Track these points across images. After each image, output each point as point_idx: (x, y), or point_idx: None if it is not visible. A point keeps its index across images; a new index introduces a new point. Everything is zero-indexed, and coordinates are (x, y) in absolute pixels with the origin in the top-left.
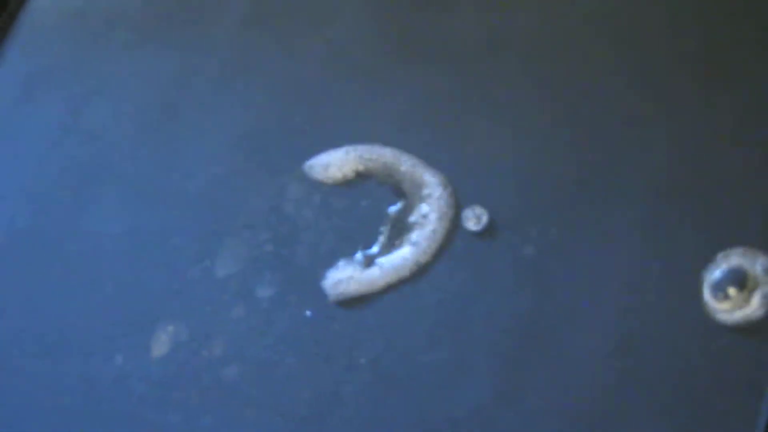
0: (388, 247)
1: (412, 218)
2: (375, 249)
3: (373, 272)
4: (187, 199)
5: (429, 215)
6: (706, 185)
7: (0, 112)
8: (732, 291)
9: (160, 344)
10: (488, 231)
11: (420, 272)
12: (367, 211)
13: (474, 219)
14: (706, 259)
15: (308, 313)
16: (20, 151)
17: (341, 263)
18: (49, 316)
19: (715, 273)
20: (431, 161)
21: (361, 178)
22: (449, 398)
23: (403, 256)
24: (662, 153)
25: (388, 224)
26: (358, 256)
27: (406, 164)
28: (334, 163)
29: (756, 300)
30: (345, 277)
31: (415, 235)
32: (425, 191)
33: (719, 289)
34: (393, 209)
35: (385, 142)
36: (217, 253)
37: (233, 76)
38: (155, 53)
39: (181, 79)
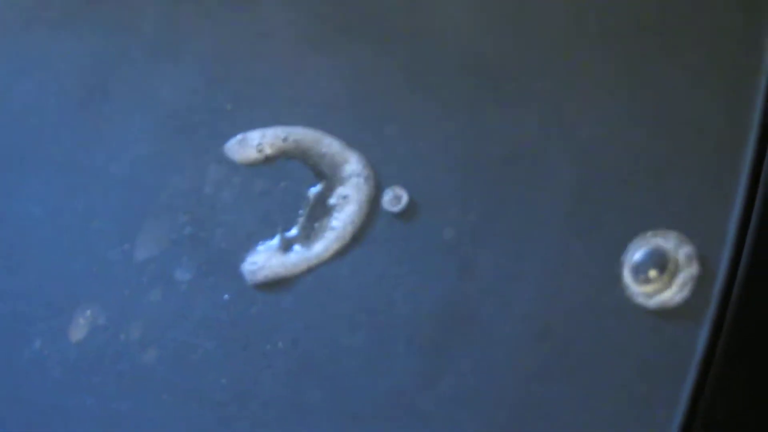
0: (308, 230)
1: (332, 200)
2: (294, 232)
3: (293, 256)
4: (109, 181)
5: (349, 196)
6: (630, 167)
7: None
8: (653, 273)
9: (79, 328)
10: (409, 213)
11: (340, 255)
12: (287, 193)
13: (394, 200)
14: (628, 242)
15: (226, 296)
16: None
17: (260, 246)
18: None
19: (636, 255)
20: (351, 142)
21: (282, 159)
22: (370, 382)
23: (322, 239)
24: (586, 134)
25: (308, 206)
26: (278, 239)
27: (326, 145)
28: (255, 144)
29: (677, 284)
30: (264, 260)
31: (334, 218)
32: (345, 172)
33: (640, 271)
34: (312, 191)
35: (307, 124)
36: (137, 236)
37: (160, 56)
38: (82, 33)
39: (108, 60)
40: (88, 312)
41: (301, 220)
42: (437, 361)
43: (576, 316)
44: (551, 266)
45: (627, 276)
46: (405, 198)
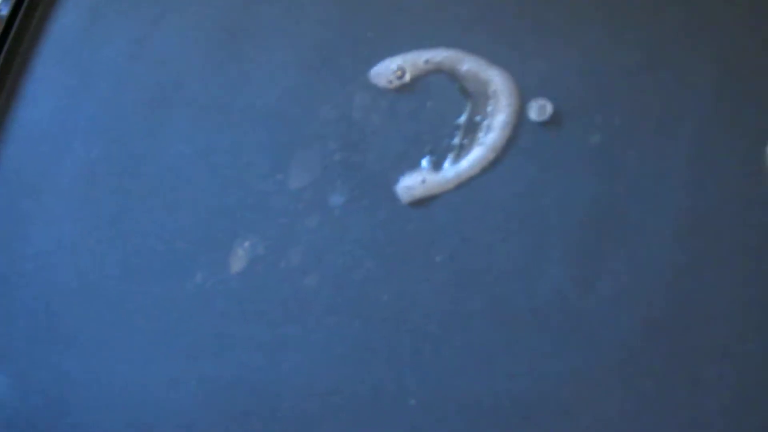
0: (457, 147)
1: (479, 116)
2: (444, 149)
3: (444, 172)
4: (256, 116)
5: (495, 111)
6: None
7: (67, 44)
8: None
9: (238, 259)
10: (554, 122)
11: (490, 168)
12: (433, 113)
13: (539, 110)
14: None
15: (382, 216)
16: (89, 81)
17: (412, 167)
18: (129, 240)
19: None
20: (494, 59)
21: (426, 81)
22: (527, 288)
23: (472, 154)
24: (727, 32)
25: (455, 124)
26: (428, 157)
27: (469, 64)
28: (399, 69)
29: None
30: (416, 179)
31: (482, 133)
32: (490, 88)
33: None
34: (459, 109)
35: (448, 44)
36: (289, 166)
37: None
38: None
39: (246, 0)
40: (247, 243)
41: (449, 137)
42: (592, 263)
43: (723, 207)
44: (697, 161)
45: None
46: (549, 108)
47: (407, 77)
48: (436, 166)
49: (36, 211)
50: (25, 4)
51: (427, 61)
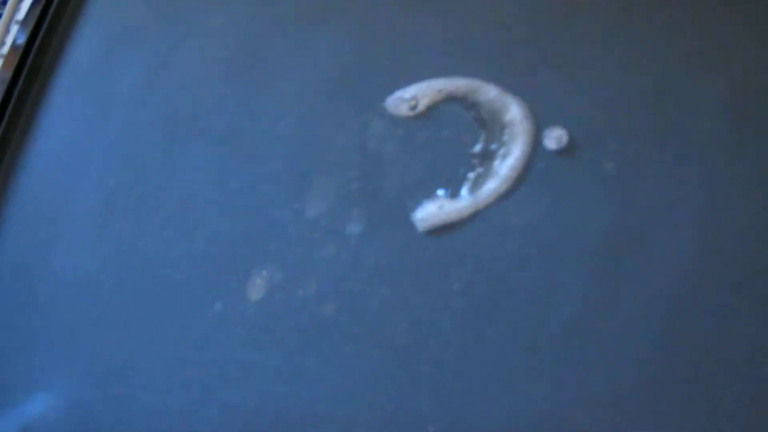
0: (473, 176)
1: (494, 145)
2: (460, 178)
3: (460, 201)
4: (274, 144)
5: (510, 140)
6: None
7: (85, 73)
8: None
9: (257, 288)
10: (569, 150)
11: (506, 196)
12: (449, 141)
13: (555, 139)
14: None
15: (399, 245)
16: (107, 110)
17: (428, 195)
18: (147, 269)
19: None
20: (509, 88)
21: (442, 110)
22: (544, 314)
23: (488, 183)
24: (738, 56)
25: (471, 153)
26: (445, 186)
27: (484, 93)
28: (415, 97)
29: None
30: (433, 208)
31: (498, 161)
32: (505, 117)
33: None
34: (475, 138)
35: (463, 73)
36: (306, 194)
37: (313, 20)
38: (234, 7)
39: (262, 28)
40: (264, 272)
41: (465, 166)
42: (608, 288)
43: (738, 232)
44: (711, 187)
45: None
46: (565, 137)
47: (422, 106)
48: (453, 194)
49: (54, 239)
50: (41, 33)
51: (441, 90)
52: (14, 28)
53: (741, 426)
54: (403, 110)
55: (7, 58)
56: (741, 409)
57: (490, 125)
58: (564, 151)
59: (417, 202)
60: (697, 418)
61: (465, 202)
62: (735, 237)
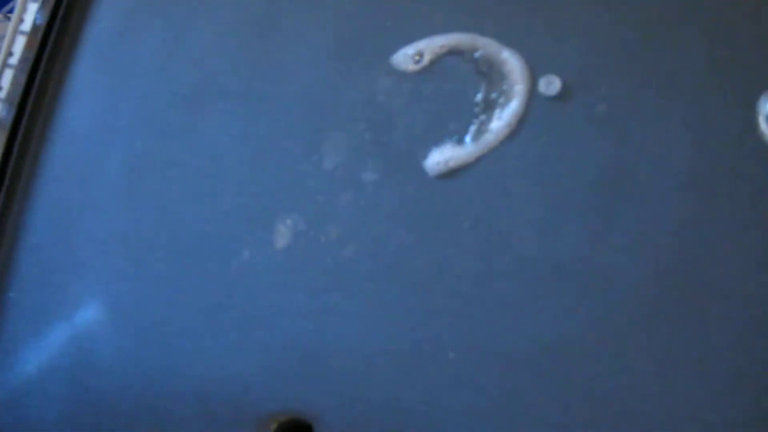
0: (477, 123)
1: (494, 94)
2: (464, 126)
3: (466, 147)
4: (289, 103)
5: (509, 88)
6: (758, 29)
7: (106, 46)
8: None
9: (282, 236)
10: (563, 95)
11: (507, 140)
12: (453, 93)
13: (549, 85)
14: (761, 94)
15: (411, 190)
16: (130, 80)
17: (436, 143)
18: (176, 225)
19: None
20: (506, 41)
21: (444, 64)
22: (547, 246)
23: (490, 129)
24: (715, 7)
25: (473, 102)
26: (451, 134)
27: (482, 46)
28: (419, 53)
29: None
30: (441, 154)
31: (498, 108)
32: (503, 68)
33: None
34: (476, 88)
35: (463, 29)
36: (323, 148)
37: None
38: None
39: None
40: (289, 221)
41: (468, 115)
42: (604, 220)
43: (720, 161)
44: (694, 123)
45: (763, 123)
46: (558, 83)
47: (425, 61)
48: (459, 141)
49: (86, 202)
50: (61, 12)
51: (443, 46)
52: (33, 6)
53: (728, 337)
54: (408, 66)
55: (29, 37)
56: (728, 323)
57: (489, 76)
58: (558, 97)
59: (426, 150)
60: (688, 333)
61: (470, 147)
62: (717, 166)
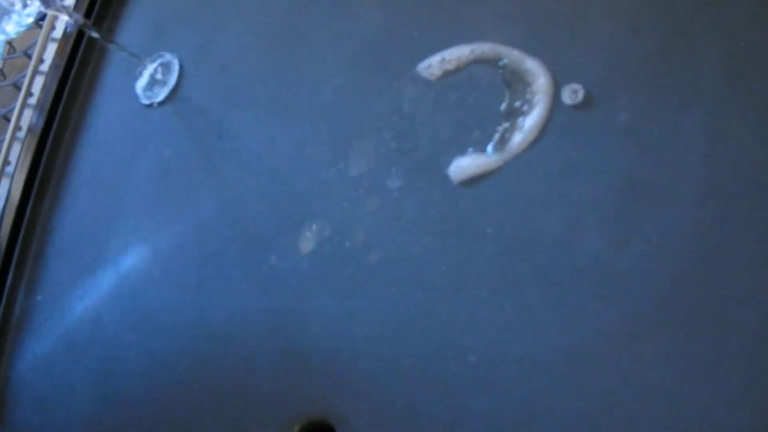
0: (500, 131)
1: (518, 102)
2: (489, 134)
3: (490, 154)
4: (315, 112)
5: (532, 97)
6: None
7: (136, 54)
8: None
9: (307, 242)
10: (585, 104)
11: (530, 148)
12: (477, 101)
13: (572, 94)
14: None
15: (435, 196)
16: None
17: (460, 150)
18: (205, 230)
19: None
20: (529, 50)
21: (469, 73)
22: (568, 252)
23: (514, 137)
24: (733, 18)
25: (498, 111)
26: (475, 142)
27: (507, 55)
28: (443, 63)
29: None
30: (465, 162)
31: (522, 117)
32: (527, 77)
33: None
34: (500, 97)
35: (487, 39)
36: (349, 155)
37: None
38: None
39: (298, 6)
40: (314, 226)
41: (493, 122)
42: (624, 227)
43: (738, 171)
44: (713, 132)
45: None
46: (581, 92)
47: (450, 70)
48: (483, 149)
49: (116, 208)
50: (91, 19)
51: (468, 55)
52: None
53: (745, 343)
54: (433, 75)
55: (60, 45)
56: (745, 329)
57: (513, 85)
58: (581, 106)
59: (450, 157)
60: (706, 339)
61: (494, 155)
62: (735, 176)
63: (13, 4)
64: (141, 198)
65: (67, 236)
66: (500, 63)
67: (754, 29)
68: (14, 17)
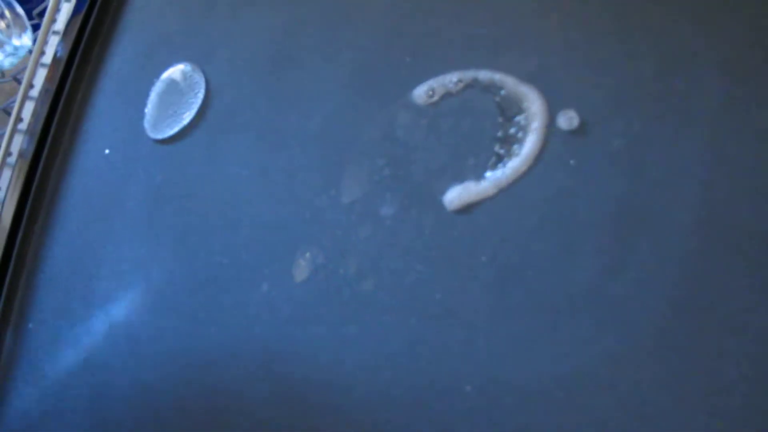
0: (495, 157)
1: (513, 129)
2: (483, 161)
3: (484, 182)
4: (307, 137)
5: (527, 124)
6: None
7: (125, 79)
8: None
9: (301, 269)
10: (580, 130)
11: (525, 175)
12: (471, 128)
13: (567, 121)
14: None
15: (429, 224)
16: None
17: (454, 177)
18: (196, 257)
19: None
20: (523, 77)
21: (462, 99)
22: (564, 279)
23: (509, 164)
24: (731, 42)
25: (492, 137)
26: (469, 168)
27: (501, 82)
28: (436, 89)
29: None
30: (459, 189)
31: (517, 143)
32: (522, 103)
33: None
34: (495, 123)
35: (482, 65)
36: (341, 182)
37: (337, 21)
38: (261, 11)
39: (289, 32)
40: (308, 254)
41: (487, 149)
42: (620, 254)
43: (734, 199)
44: (709, 159)
45: None
46: (576, 119)
47: (443, 96)
48: (477, 176)
49: (106, 234)
50: (82, 44)
51: (461, 81)
52: (53, 39)
53: (743, 371)
54: (426, 101)
55: (50, 69)
56: (742, 357)
57: (507, 111)
58: (576, 132)
59: (444, 185)
60: (703, 366)
61: (488, 182)
62: (732, 203)
63: (9, 36)
64: (132, 224)
65: (57, 263)
66: (495, 89)
67: (754, 53)
68: (8, 49)
